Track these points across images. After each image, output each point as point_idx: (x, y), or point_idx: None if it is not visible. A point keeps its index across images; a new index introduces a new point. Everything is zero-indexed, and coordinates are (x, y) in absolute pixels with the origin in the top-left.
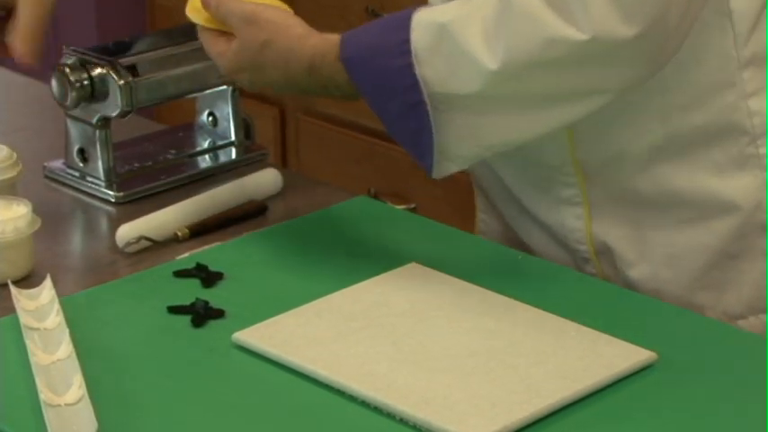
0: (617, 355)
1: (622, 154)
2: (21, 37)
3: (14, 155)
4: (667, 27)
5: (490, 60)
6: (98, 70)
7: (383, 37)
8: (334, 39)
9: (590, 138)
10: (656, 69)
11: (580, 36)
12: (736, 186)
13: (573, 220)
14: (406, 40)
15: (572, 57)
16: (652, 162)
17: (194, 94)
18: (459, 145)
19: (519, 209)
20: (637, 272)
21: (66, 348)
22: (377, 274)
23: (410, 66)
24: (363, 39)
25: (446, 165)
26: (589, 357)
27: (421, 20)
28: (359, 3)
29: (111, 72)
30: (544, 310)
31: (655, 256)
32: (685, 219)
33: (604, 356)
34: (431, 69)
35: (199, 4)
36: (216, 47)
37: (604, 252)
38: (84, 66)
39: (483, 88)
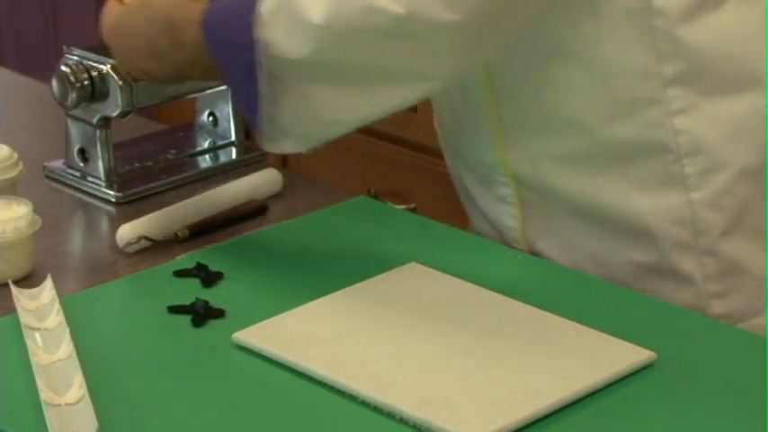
0: (616, 355)
1: (549, 160)
2: None
3: (15, 155)
4: (487, 20)
5: (316, 15)
6: (99, 70)
7: (237, 1)
8: (196, 4)
9: (517, 142)
10: (476, 59)
11: (397, 9)
12: (659, 204)
13: (509, 219)
14: (254, 3)
15: (391, 30)
16: (578, 171)
17: (194, 95)
18: (295, 118)
19: (474, 206)
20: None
21: (66, 348)
22: (377, 273)
23: (251, 26)
24: (220, 5)
25: (282, 141)
26: (589, 357)
27: None
28: None
29: (111, 72)
30: (544, 309)
31: (584, 264)
32: (609, 231)
33: (604, 356)
34: (270, 32)
35: None
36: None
37: (537, 254)
38: (85, 66)
39: (312, 49)
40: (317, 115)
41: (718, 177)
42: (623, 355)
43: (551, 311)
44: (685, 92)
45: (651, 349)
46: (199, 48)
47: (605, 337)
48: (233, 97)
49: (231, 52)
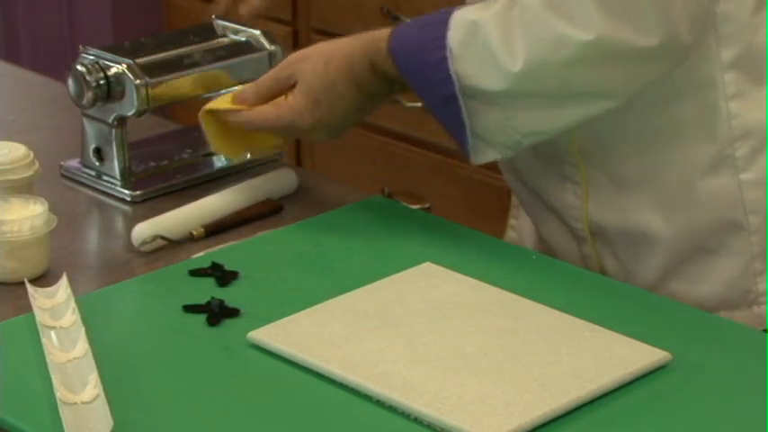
0: (631, 356)
1: (615, 140)
2: None
3: (31, 154)
4: (680, 41)
5: (512, 63)
6: (114, 70)
7: (424, 32)
8: (381, 34)
9: (588, 125)
10: (666, 74)
11: (585, 36)
12: (713, 185)
13: (572, 198)
14: (443, 36)
15: (582, 55)
16: (641, 150)
17: (210, 94)
18: (495, 133)
19: (528, 190)
20: (622, 253)
21: (82, 347)
22: (391, 273)
23: (445, 60)
24: (408, 33)
25: (487, 151)
26: (603, 357)
27: (458, 18)
28: (374, 2)
29: (127, 72)
30: (558, 310)
31: (642, 239)
32: (667, 209)
33: (618, 356)
34: (462, 64)
35: (224, 103)
36: (281, 108)
37: (598, 233)
38: (101, 65)
39: (507, 87)
40: (517, 129)
41: (764, 159)
42: (638, 356)
43: (566, 312)
44: (741, 77)
45: (666, 350)
46: (397, 74)
47: (620, 337)
48: (434, 116)
49: (428, 84)
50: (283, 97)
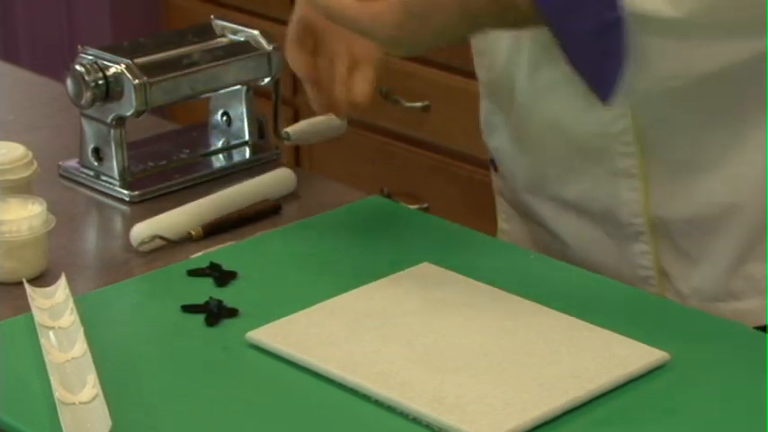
0: (630, 355)
1: (683, 122)
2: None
3: (29, 154)
4: None
5: None
6: (113, 70)
7: None
8: None
9: (652, 106)
10: None
11: None
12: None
13: (627, 193)
14: None
15: None
16: (713, 131)
17: (209, 94)
18: (637, 74)
19: (550, 196)
20: (687, 243)
21: (80, 347)
22: (390, 273)
23: None
24: None
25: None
26: (602, 357)
27: None
28: None
29: (126, 72)
30: (557, 310)
31: (707, 227)
32: (741, 189)
33: (617, 356)
34: None
35: None
36: (364, 11)
37: (659, 226)
38: (100, 65)
39: (689, 10)
40: (661, 71)
41: None
42: (636, 356)
43: (564, 311)
44: None
45: (664, 350)
46: (525, 1)
47: (618, 337)
48: (568, 54)
49: (577, 11)
50: None
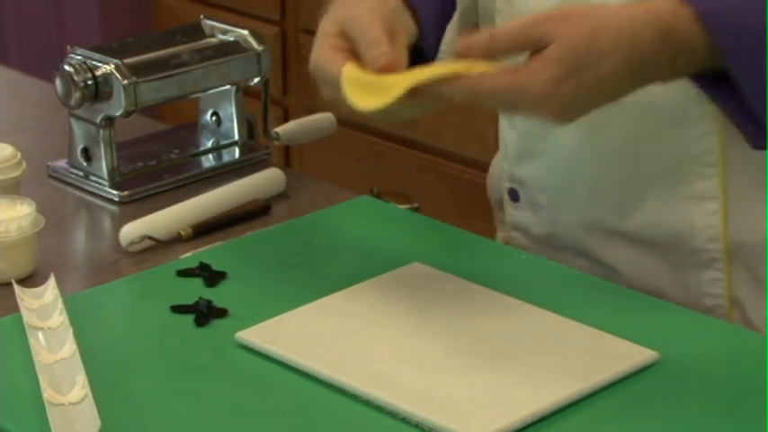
0: (619, 355)
1: None
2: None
3: (18, 154)
4: None
5: None
6: (102, 70)
7: None
8: (658, 3)
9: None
10: None
11: None
12: None
13: (704, 217)
14: None
15: None
16: None
17: (198, 94)
18: None
19: (605, 229)
20: (762, 270)
21: (69, 347)
22: (380, 273)
23: None
24: None
25: None
26: (591, 356)
27: None
28: None
29: (115, 72)
30: (546, 309)
31: None
32: None
33: (606, 356)
34: None
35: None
36: (516, 73)
37: (736, 251)
38: (89, 65)
39: None
40: None
41: None
42: (625, 355)
43: (554, 311)
44: None
45: (653, 349)
46: (700, 44)
47: (608, 336)
48: (746, 88)
49: (751, 48)
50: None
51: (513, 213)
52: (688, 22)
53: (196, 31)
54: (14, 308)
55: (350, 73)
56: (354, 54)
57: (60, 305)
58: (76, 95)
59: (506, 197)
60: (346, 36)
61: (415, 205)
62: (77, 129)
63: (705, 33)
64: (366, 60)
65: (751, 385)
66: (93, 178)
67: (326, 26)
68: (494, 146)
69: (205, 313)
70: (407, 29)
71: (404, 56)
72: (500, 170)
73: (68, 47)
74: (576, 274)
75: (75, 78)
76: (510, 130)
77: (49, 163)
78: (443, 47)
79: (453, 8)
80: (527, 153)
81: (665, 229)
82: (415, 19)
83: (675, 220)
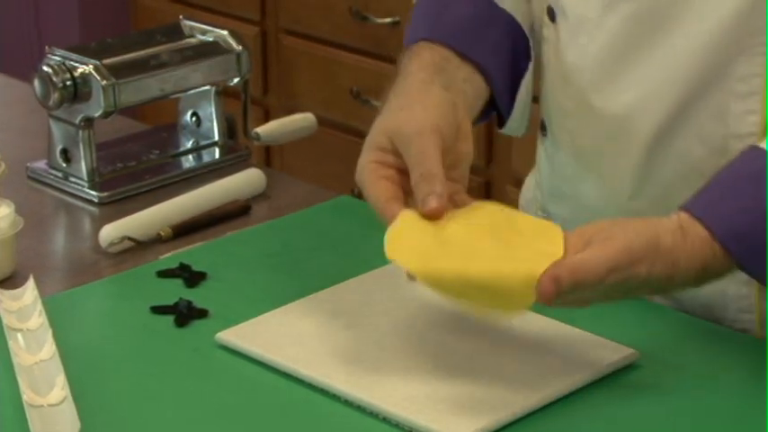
0: (599, 354)
1: None
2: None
3: None
4: None
5: None
6: (81, 71)
7: (743, 199)
8: (697, 232)
9: None
10: None
11: None
12: None
13: (738, 287)
14: None
15: None
16: None
17: (178, 95)
18: None
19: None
20: None
21: (48, 349)
22: (360, 273)
23: None
24: (723, 212)
25: None
26: (571, 356)
27: None
28: (343, 3)
29: (94, 72)
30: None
31: None
32: None
33: (586, 355)
34: None
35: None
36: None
37: None
38: (67, 66)
39: None
40: None
41: None
42: (605, 354)
43: (533, 310)
44: None
45: (632, 347)
46: (726, 268)
47: (587, 335)
48: None
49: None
50: None
51: None
52: (721, 260)
53: (175, 32)
54: None
55: (406, 222)
56: (401, 171)
57: (40, 306)
58: (55, 96)
59: None
60: (395, 152)
61: None
62: (56, 130)
63: (732, 261)
64: (414, 194)
65: (729, 383)
66: (72, 179)
67: (375, 135)
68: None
69: (185, 314)
70: (478, 94)
71: (459, 188)
72: (533, 196)
73: (47, 47)
74: None
75: (54, 79)
76: (547, 163)
77: (29, 164)
78: (518, 104)
79: (526, 61)
80: (557, 194)
81: (696, 300)
82: (488, 81)
83: (708, 292)
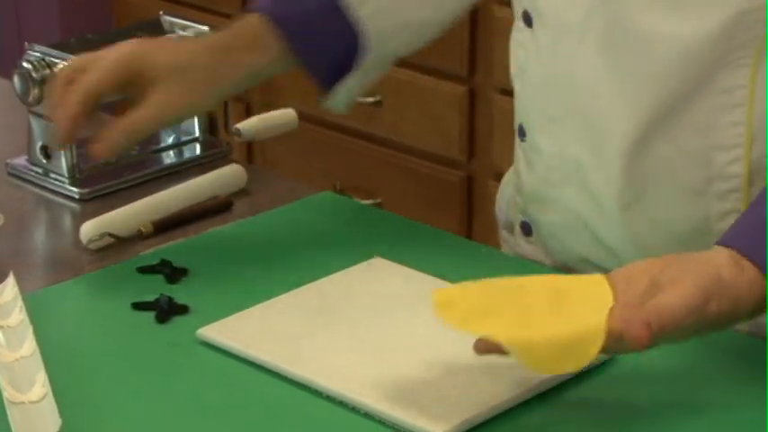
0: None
1: None
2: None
3: None
4: None
5: None
6: (61, 67)
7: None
8: (750, 266)
9: None
10: None
11: None
12: None
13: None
14: None
15: None
16: None
17: None
18: None
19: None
20: None
21: (29, 346)
22: (342, 268)
23: None
24: (752, 240)
25: None
26: None
27: None
28: None
29: None
30: None
31: None
32: None
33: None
34: None
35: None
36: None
37: None
38: (47, 62)
39: None
40: None
41: None
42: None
43: None
44: None
45: None
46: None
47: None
48: None
49: None
50: None
51: (523, 245)
52: (755, 297)
53: (156, 28)
54: None
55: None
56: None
57: (20, 303)
58: (35, 92)
59: (518, 228)
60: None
61: (378, 200)
62: (36, 126)
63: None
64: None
65: (701, 383)
66: (52, 175)
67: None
68: (456, 140)
69: (166, 310)
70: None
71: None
72: (512, 198)
73: (26, 43)
74: (537, 267)
75: (34, 75)
76: (527, 168)
77: (8, 161)
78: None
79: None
80: (540, 198)
81: None
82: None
83: None
